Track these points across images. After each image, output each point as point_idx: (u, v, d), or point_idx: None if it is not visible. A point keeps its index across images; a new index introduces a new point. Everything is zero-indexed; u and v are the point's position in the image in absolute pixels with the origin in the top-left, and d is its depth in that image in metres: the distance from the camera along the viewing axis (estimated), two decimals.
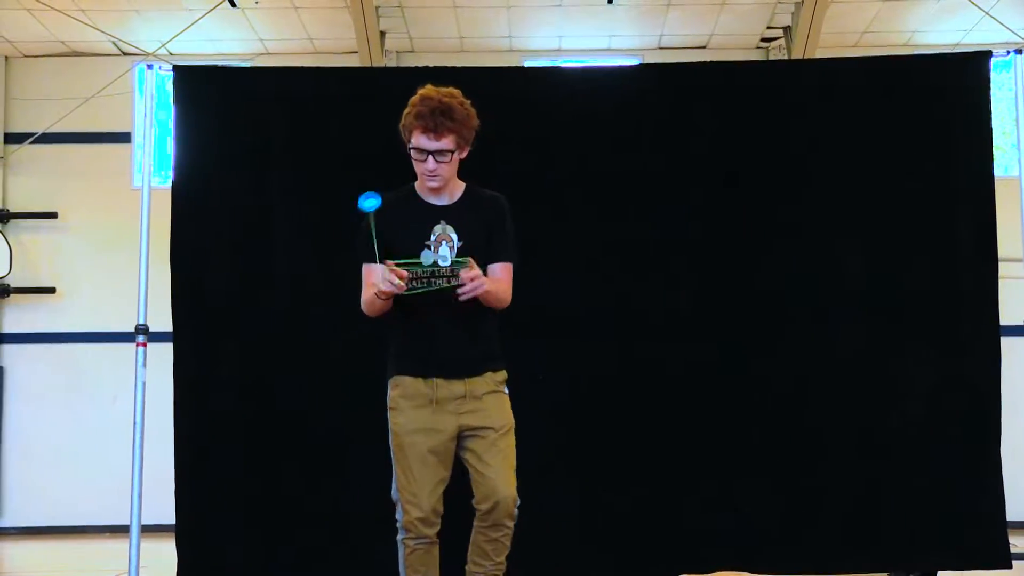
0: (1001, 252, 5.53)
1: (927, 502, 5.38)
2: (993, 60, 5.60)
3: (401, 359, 4.07)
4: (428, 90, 4.00)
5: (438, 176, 4.00)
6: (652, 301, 5.47)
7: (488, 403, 4.03)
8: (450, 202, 4.09)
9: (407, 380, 4.04)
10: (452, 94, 4.00)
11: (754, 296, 5.49)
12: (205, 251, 5.48)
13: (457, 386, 4.00)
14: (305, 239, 5.47)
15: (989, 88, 5.58)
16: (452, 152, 3.98)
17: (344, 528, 5.32)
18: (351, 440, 5.29)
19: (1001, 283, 5.55)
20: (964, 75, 5.57)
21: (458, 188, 4.12)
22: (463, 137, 4.00)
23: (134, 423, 5.42)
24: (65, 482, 11.92)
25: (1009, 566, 5.40)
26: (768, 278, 5.50)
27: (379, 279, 3.89)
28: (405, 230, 4.02)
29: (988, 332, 5.47)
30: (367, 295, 4.05)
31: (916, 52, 11.35)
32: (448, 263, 3.94)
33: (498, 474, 3.97)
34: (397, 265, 3.87)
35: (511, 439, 4.06)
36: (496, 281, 4.05)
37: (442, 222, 4.03)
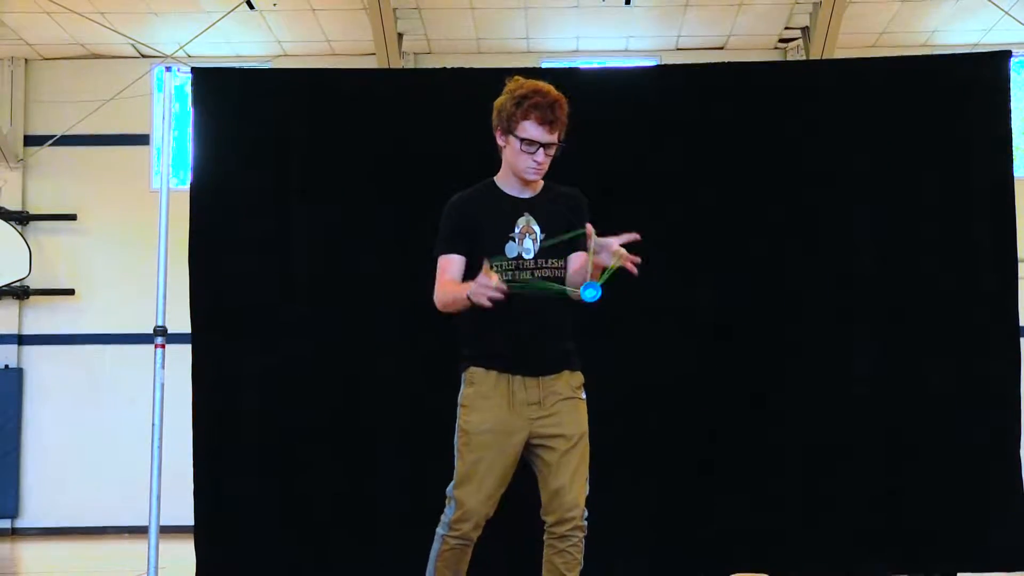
0: (1021, 253, 5.51)
1: (947, 504, 5.35)
2: (1013, 60, 5.57)
3: (476, 351, 3.96)
4: (535, 82, 3.97)
5: (543, 169, 3.96)
6: (670, 301, 5.46)
7: (563, 411, 3.93)
8: (532, 195, 4.03)
9: (481, 375, 3.92)
10: (555, 89, 3.97)
11: (773, 296, 5.47)
12: (223, 252, 5.50)
13: (533, 389, 3.90)
14: (322, 240, 5.48)
15: (1009, 88, 5.56)
16: (558, 146, 3.95)
17: (364, 528, 5.32)
18: (372, 440, 5.30)
19: (1021, 284, 5.52)
20: (983, 75, 5.55)
21: (539, 182, 4.05)
22: (565, 134, 3.98)
23: (152, 424, 5.44)
24: (84, 483, 11.97)
25: None
26: (787, 278, 5.49)
27: (475, 286, 3.65)
28: (489, 223, 3.94)
29: (1008, 333, 5.45)
30: (449, 291, 3.87)
31: (935, 52, 11.32)
32: (532, 256, 3.89)
33: (565, 487, 3.86)
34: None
35: (584, 448, 3.95)
36: None
37: (526, 214, 3.96)
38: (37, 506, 12.15)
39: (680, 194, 5.54)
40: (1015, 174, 5.53)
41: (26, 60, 12.52)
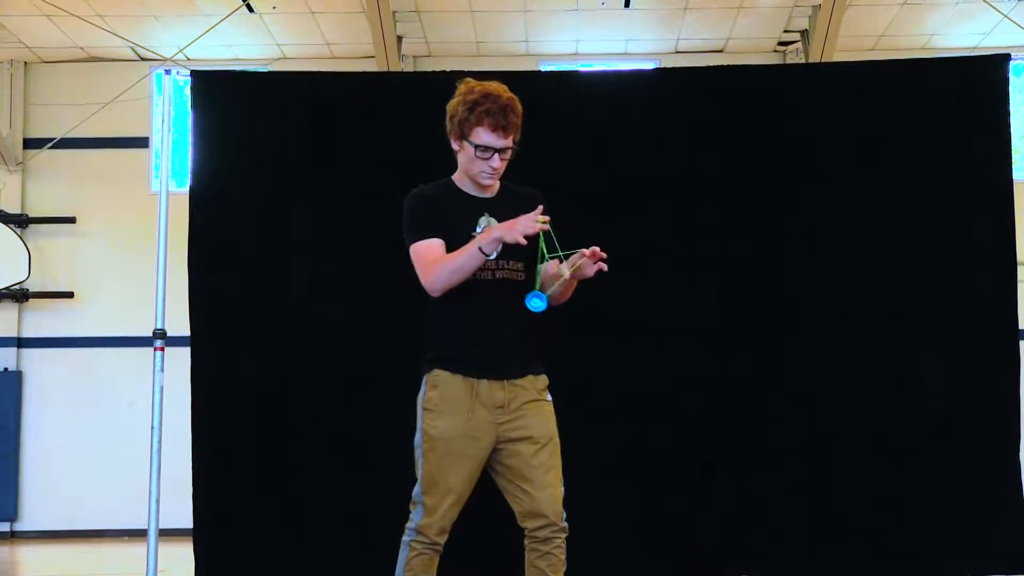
0: (1020, 256, 5.51)
1: (947, 505, 5.35)
2: (1012, 63, 5.58)
3: (441, 353, 3.91)
4: (486, 86, 3.93)
5: (498, 173, 3.95)
6: (671, 302, 5.46)
7: (529, 413, 3.86)
8: (492, 196, 4.01)
9: (445, 379, 3.86)
10: (507, 89, 3.94)
11: (773, 297, 5.47)
12: (223, 255, 5.50)
13: (498, 392, 3.84)
14: (322, 242, 5.48)
15: (1008, 91, 5.56)
16: (512, 149, 3.93)
17: (364, 530, 5.32)
18: (371, 441, 5.30)
19: (1020, 287, 5.53)
20: (982, 78, 5.55)
21: (496, 183, 4.03)
22: (520, 133, 3.96)
23: (152, 427, 5.44)
24: (83, 486, 11.98)
25: None
26: (786, 280, 5.49)
27: (475, 245, 3.74)
28: (452, 220, 3.92)
29: (1007, 336, 5.44)
30: (449, 261, 3.81)
31: (934, 55, 11.33)
32: (494, 256, 3.83)
33: (541, 489, 3.81)
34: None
35: (554, 449, 3.88)
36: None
37: (486, 214, 3.94)
38: (36, 509, 12.16)
39: (680, 196, 5.54)
40: (1014, 177, 5.53)
41: (26, 63, 12.54)
